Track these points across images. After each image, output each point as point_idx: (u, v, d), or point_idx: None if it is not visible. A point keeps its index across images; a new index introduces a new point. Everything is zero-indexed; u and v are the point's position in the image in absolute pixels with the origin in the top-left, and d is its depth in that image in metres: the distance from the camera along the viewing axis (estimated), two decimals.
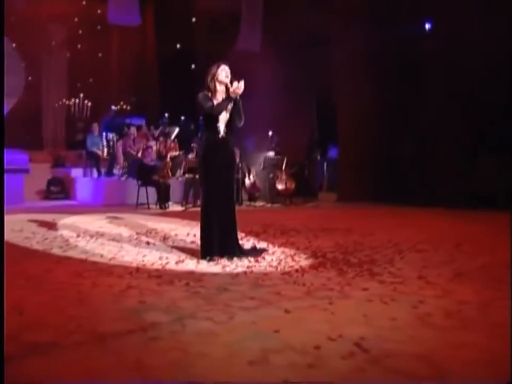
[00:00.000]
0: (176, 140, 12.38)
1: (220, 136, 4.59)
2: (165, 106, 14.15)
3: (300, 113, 13.92)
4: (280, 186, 11.54)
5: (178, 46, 15.66)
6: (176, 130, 12.39)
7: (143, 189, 9.93)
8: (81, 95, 13.99)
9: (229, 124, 4.65)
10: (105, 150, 11.86)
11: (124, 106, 16.62)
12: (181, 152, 11.41)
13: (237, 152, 11.32)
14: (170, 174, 10.57)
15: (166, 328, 2.63)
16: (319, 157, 14.19)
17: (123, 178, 11.26)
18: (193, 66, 15.44)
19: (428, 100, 11.19)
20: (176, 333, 2.56)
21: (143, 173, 10.07)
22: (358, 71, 11.96)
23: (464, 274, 4.00)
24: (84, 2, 16.13)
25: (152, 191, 10.07)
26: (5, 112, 14.86)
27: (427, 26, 11.47)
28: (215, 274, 3.96)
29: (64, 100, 15.41)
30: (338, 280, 3.74)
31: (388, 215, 9.05)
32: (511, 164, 9.40)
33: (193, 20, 15.49)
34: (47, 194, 12.00)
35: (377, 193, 11.44)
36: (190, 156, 10.71)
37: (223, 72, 4.56)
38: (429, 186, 11.14)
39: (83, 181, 11.86)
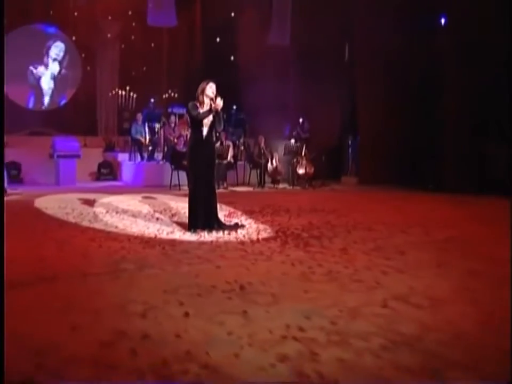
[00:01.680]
0: None
1: (203, 136, 5.92)
2: None
3: (331, 100, 14.90)
4: (300, 171, 12.77)
5: (218, 39, 17.02)
6: None
7: (176, 172, 11.42)
8: (128, 87, 15.63)
9: (211, 128, 5.97)
10: (147, 137, 13.44)
11: (172, 94, 18.27)
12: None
13: (230, 144, 12.69)
14: None
15: (129, 272, 4.03)
16: (350, 142, 15.21)
17: (161, 162, 12.83)
18: (232, 58, 16.78)
19: (443, 90, 11.94)
20: (134, 275, 3.96)
21: (176, 159, 11.54)
22: (377, 64, 12.91)
23: (380, 248, 5.14)
24: None
25: (183, 174, 11.54)
26: (65, 101, 16.90)
27: (442, 21, 12.21)
28: (189, 242, 5.33)
29: (116, 89, 17.18)
30: (276, 249, 5.01)
31: (390, 199, 10.00)
32: None
33: (232, 14, 16.74)
34: (98, 176, 13.80)
35: (395, 178, 12.45)
36: (217, 144, 12.08)
37: (210, 89, 5.85)
38: (440, 172, 11.99)
39: (128, 165, 13.54)
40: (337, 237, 5.72)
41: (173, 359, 2.38)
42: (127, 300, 3.28)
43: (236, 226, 6.20)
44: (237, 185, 12.57)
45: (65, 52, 17.34)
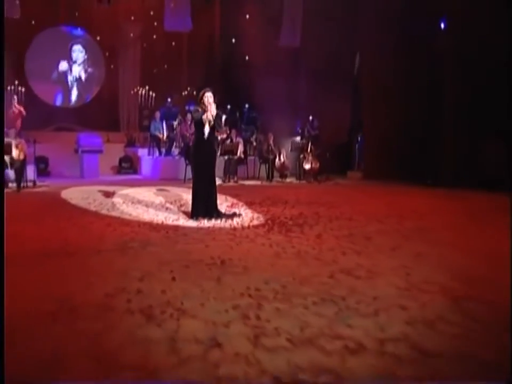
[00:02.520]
0: (224, 124, 14.71)
1: (205, 136, 6.83)
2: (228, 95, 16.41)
3: (339, 99, 15.66)
4: (307, 166, 13.62)
5: (233, 40, 17.90)
6: (223, 117, 14.68)
7: (190, 167, 12.36)
8: (147, 87, 16.66)
9: (212, 129, 6.88)
10: (165, 134, 14.43)
11: (191, 92, 19.23)
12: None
13: (240, 140, 13.55)
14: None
15: (134, 249, 4.98)
16: (358, 139, 15.99)
17: (177, 157, 13.82)
18: (246, 58, 17.64)
19: (442, 89, 12.62)
20: (138, 251, 4.91)
21: (189, 154, 12.48)
22: (382, 65, 13.65)
23: (352, 235, 5.98)
24: None
25: None
26: (90, 98, 18.01)
27: (442, 24, 12.90)
28: (190, 227, 6.27)
29: (138, 87, 18.22)
30: (261, 233, 5.91)
31: (386, 193, 10.76)
32: None
33: (247, 16, 17.60)
34: (119, 170, 14.87)
35: (397, 173, 13.20)
36: (228, 141, 13.02)
37: (206, 98, 6.76)
38: (438, 168, 12.71)
39: (146, 159, 14.57)
40: (318, 225, 6.58)
41: (156, 305, 3.32)
42: (130, 268, 4.23)
43: (233, 215, 7.11)
44: (247, 179, 13.47)
45: (89, 52, 18.43)
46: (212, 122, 6.83)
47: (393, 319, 3.18)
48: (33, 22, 16.74)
